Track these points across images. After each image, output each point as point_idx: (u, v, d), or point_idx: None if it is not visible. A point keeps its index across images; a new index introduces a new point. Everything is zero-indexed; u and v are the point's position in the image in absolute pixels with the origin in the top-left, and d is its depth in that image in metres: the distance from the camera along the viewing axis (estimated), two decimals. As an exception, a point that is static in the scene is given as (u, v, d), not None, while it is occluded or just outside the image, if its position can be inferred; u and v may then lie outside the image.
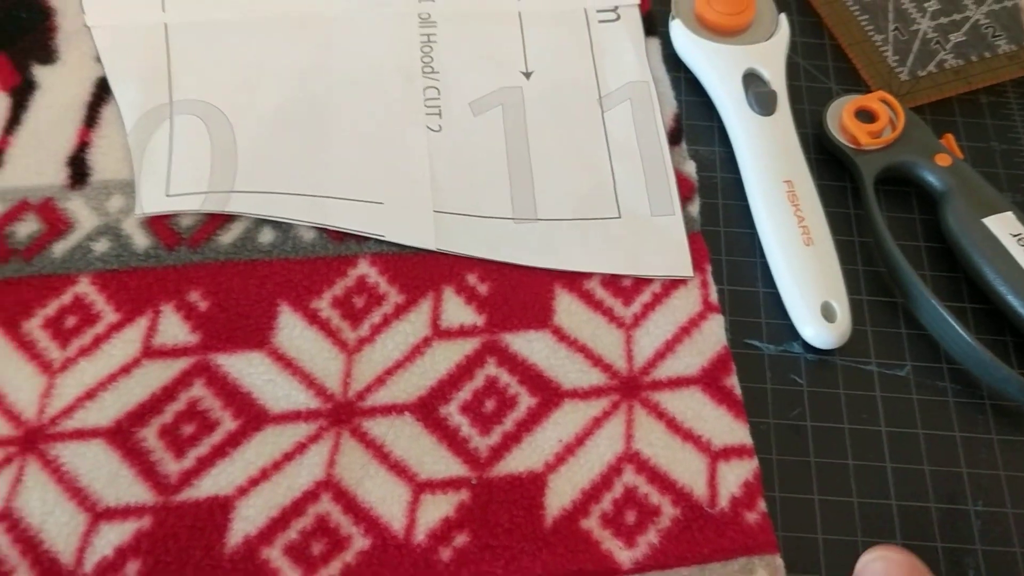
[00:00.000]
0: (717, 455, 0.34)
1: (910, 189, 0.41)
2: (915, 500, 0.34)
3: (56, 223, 0.38)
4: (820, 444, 0.35)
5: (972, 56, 0.43)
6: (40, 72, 0.42)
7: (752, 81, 0.41)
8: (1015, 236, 0.37)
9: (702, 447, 0.34)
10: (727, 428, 0.34)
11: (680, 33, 0.43)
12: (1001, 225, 0.37)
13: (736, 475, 0.34)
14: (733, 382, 0.35)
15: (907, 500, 0.34)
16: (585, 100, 0.42)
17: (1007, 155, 0.42)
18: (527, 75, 0.43)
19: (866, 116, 0.40)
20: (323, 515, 0.32)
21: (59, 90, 0.41)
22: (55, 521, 0.32)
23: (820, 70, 0.44)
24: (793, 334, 0.37)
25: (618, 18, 0.45)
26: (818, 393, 0.36)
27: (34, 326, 0.35)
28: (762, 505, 0.33)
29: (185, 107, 0.40)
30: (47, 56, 0.42)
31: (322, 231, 0.38)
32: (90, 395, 0.34)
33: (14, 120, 0.40)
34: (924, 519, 0.34)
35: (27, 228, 0.37)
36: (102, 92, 0.41)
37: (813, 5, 0.45)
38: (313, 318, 0.36)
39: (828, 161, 0.41)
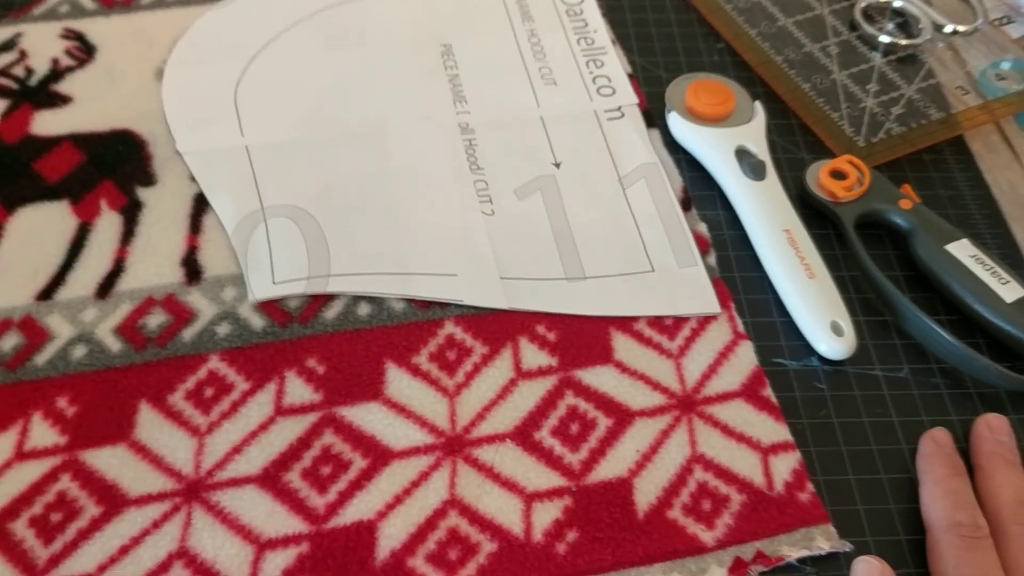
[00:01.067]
0: (767, 451, 0.41)
1: (881, 231, 0.49)
2: (930, 472, 0.41)
3: (181, 314, 0.44)
4: (847, 435, 0.42)
5: (912, 124, 0.53)
6: (143, 193, 0.48)
7: (743, 155, 0.50)
8: (973, 256, 0.46)
9: (753, 445, 0.41)
10: (770, 429, 0.42)
11: (678, 123, 0.52)
12: (961, 249, 0.46)
13: (785, 465, 0.40)
14: (769, 393, 0.43)
15: (924, 472, 0.41)
16: (608, 180, 0.50)
17: (953, 199, 0.51)
18: (557, 165, 0.51)
19: (838, 175, 0.50)
20: (453, 527, 0.38)
21: (163, 206, 0.48)
22: (226, 554, 0.37)
23: (792, 143, 0.53)
24: (810, 351, 0.45)
25: (623, 115, 0.54)
26: (838, 396, 0.43)
27: (178, 399, 0.41)
28: (810, 486, 0.40)
29: (275, 211, 0.48)
30: (147, 179, 0.49)
31: (410, 301, 0.45)
32: (237, 450, 0.40)
33: (128, 234, 0.47)
34: (940, 486, 0.41)
35: (156, 320, 0.44)
36: (201, 204, 0.48)
37: (778, 93, 0.55)
38: (416, 371, 0.42)
39: (810, 215, 0.50)
